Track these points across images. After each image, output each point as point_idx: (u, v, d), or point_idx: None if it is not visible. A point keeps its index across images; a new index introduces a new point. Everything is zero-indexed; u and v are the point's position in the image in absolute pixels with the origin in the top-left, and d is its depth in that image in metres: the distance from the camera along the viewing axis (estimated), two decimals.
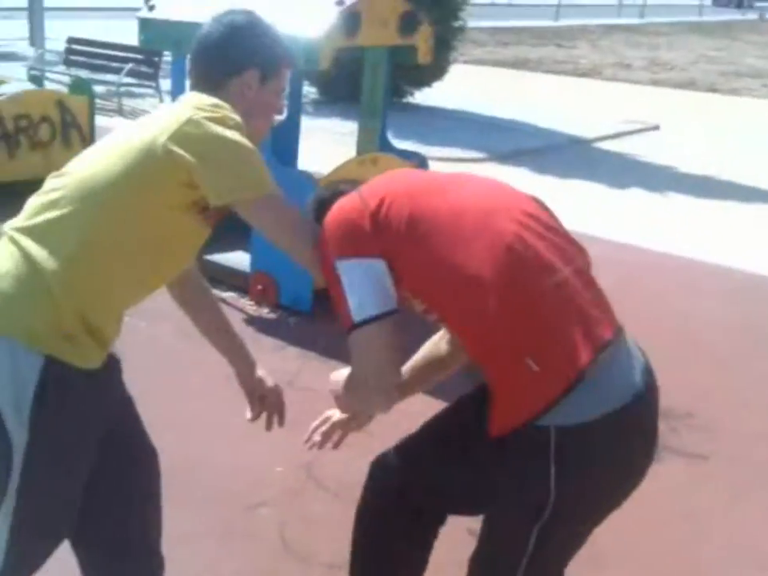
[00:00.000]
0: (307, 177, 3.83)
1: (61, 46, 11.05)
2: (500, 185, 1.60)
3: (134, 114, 9.18)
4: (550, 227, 1.52)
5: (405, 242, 1.46)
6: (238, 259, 4.09)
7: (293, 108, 4.37)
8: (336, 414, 1.81)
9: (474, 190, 1.55)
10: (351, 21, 3.58)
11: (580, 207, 6.25)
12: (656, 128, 10.51)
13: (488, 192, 1.55)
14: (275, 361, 3.39)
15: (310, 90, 10.39)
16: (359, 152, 4.44)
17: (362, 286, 1.45)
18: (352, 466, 2.41)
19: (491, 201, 1.52)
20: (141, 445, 1.71)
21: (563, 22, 28.56)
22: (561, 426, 1.40)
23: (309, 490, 2.69)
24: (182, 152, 1.42)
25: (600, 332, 1.44)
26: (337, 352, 3.51)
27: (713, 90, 14.55)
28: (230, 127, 1.46)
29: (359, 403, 1.64)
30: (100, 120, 8.03)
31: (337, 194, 1.61)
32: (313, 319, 3.86)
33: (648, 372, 1.52)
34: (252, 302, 4.03)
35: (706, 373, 3.73)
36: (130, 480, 1.68)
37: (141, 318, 3.19)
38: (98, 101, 9.07)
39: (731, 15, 43.35)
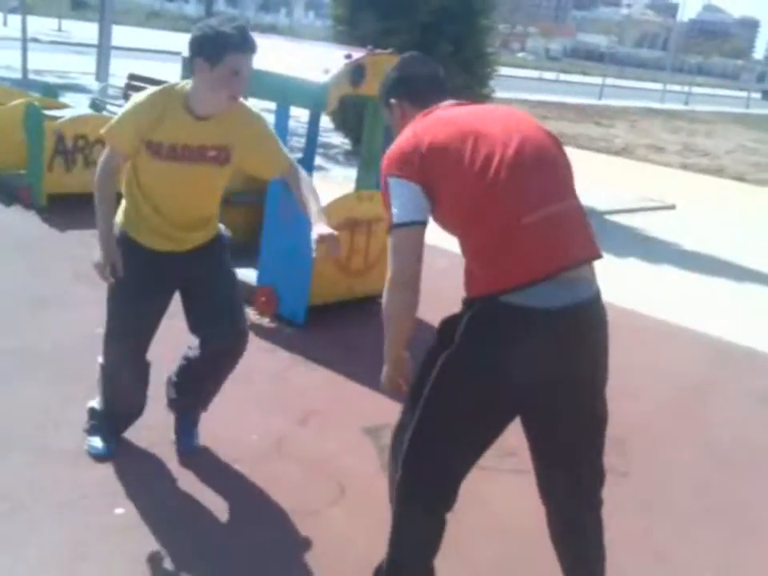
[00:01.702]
0: None
1: (124, 83, 11.92)
2: (529, 126, 2.14)
3: None
4: (557, 166, 2.10)
5: (438, 180, 2.03)
6: (247, 274, 4.62)
7: (309, 147, 4.95)
8: None
9: (504, 139, 2.06)
10: (357, 72, 4.14)
11: None
12: (672, 207, 10.92)
13: (518, 139, 2.06)
14: (266, 359, 3.92)
15: (344, 142, 11.09)
16: (358, 188, 4.99)
17: (402, 198, 2.05)
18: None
19: (517, 147, 2.03)
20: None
21: (606, 102, 29.22)
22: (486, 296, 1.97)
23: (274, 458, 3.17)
24: None
25: (554, 263, 1.96)
26: (321, 358, 4.06)
27: (740, 178, 14.85)
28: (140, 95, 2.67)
29: (389, 305, 2.10)
30: None
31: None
32: (305, 330, 4.39)
33: (584, 296, 2.02)
34: (256, 312, 4.58)
35: (645, 412, 4.19)
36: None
37: None
38: None
39: None
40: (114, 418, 3.08)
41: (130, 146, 2.65)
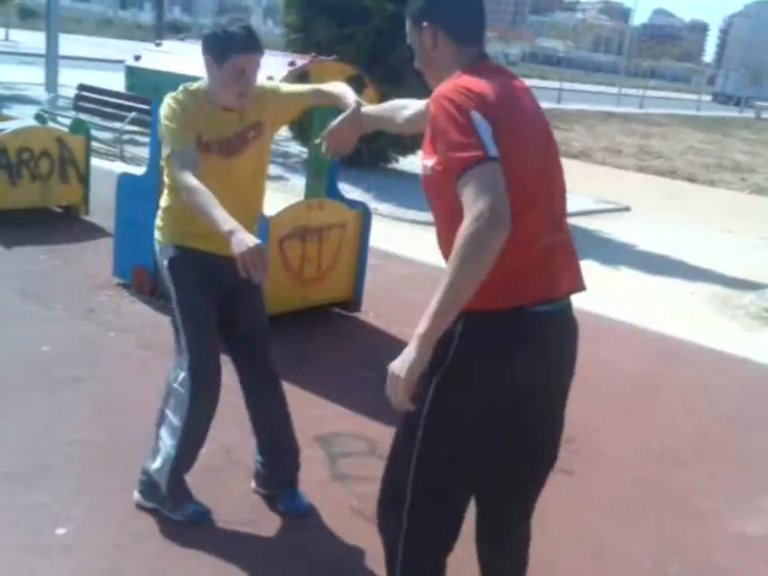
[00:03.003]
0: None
1: (73, 93, 11.77)
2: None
3: (134, 160, 9.80)
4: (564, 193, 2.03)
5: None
6: None
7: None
8: None
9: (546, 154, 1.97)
10: (300, 80, 4.11)
11: None
12: (627, 209, 11.11)
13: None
14: None
15: (302, 150, 11.04)
16: (307, 197, 4.98)
17: (487, 135, 1.74)
18: None
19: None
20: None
21: (564, 106, 29.55)
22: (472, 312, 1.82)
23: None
24: None
25: (550, 291, 1.91)
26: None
27: (691, 179, 15.23)
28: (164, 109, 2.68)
29: (476, 254, 1.69)
30: (102, 163, 8.66)
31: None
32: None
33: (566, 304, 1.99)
34: None
35: (592, 409, 4.25)
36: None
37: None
38: (101, 146, 9.74)
39: (729, 112, 44.41)
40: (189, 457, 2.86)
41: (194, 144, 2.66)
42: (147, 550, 2.70)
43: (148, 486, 2.87)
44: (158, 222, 2.86)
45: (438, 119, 1.81)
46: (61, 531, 2.73)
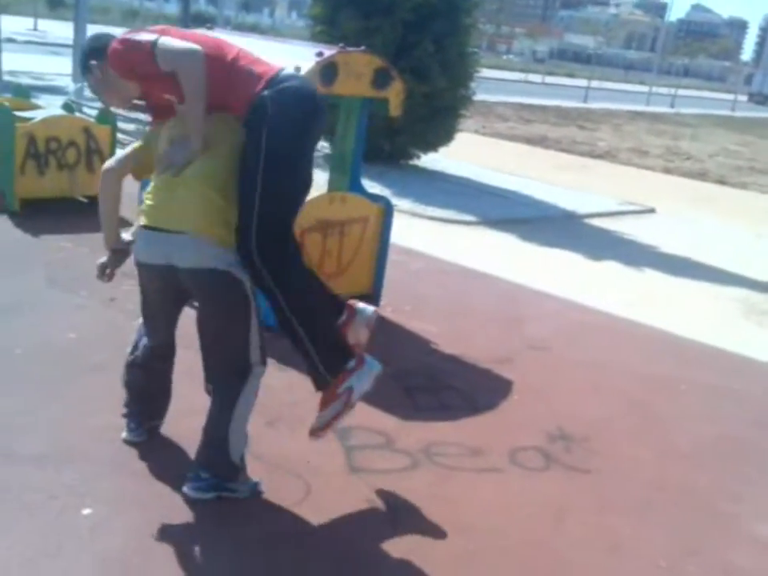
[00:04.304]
0: None
1: None
2: None
3: None
4: None
5: None
6: None
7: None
8: None
9: None
10: (328, 71, 4.12)
11: (554, 272, 6.87)
12: (652, 211, 11.02)
13: None
14: None
15: (324, 145, 11.06)
16: (330, 190, 5.00)
17: None
18: None
19: None
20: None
21: (591, 105, 29.36)
22: None
23: None
24: None
25: None
26: (291, 360, 4.08)
27: (722, 182, 14.96)
28: None
29: None
30: None
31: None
32: (277, 333, 4.39)
33: None
34: None
35: (609, 409, 4.27)
36: None
37: None
38: (125, 137, 9.82)
39: (766, 113, 43.30)
40: None
41: None
42: (173, 533, 2.76)
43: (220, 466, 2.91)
44: (221, 230, 2.75)
45: None
46: (87, 512, 2.80)
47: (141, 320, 3.18)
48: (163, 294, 2.96)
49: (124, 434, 3.22)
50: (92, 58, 2.86)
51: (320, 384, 2.93)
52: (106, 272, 3.01)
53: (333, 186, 5.07)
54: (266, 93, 2.70)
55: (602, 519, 3.25)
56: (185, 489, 2.91)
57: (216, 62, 2.72)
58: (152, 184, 2.87)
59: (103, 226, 2.99)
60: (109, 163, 2.99)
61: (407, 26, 9.60)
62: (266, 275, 2.73)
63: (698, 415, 4.42)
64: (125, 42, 2.73)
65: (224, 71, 2.74)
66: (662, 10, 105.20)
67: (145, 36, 2.70)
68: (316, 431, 2.95)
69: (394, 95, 4.60)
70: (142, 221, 2.81)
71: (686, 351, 5.43)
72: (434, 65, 9.69)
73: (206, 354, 2.96)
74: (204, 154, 2.76)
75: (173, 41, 2.68)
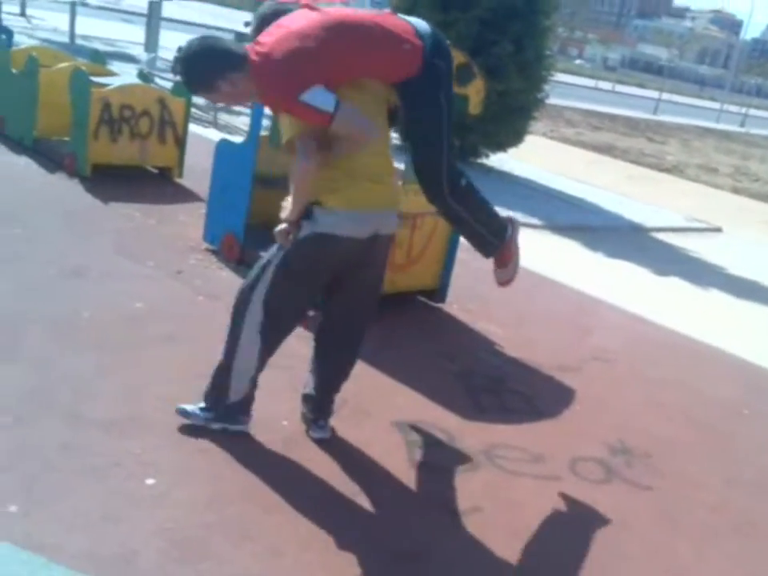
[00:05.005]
0: None
1: (172, 55, 12.01)
2: None
3: (227, 128, 9.96)
4: None
5: None
6: None
7: None
8: None
9: None
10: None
11: (620, 283, 6.76)
12: (718, 230, 10.77)
13: None
14: (306, 346, 3.88)
15: (393, 136, 11.03)
16: (404, 182, 4.95)
17: None
18: None
19: None
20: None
21: (661, 117, 28.86)
22: None
23: None
24: None
25: None
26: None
27: None
28: None
29: None
30: (196, 129, 8.81)
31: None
32: None
33: None
34: None
35: (672, 428, 4.17)
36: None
37: None
38: (196, 111, 9.91)
39: None
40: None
41: None
42: (234, 511, 2.76)
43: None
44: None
45: None
46: (150, 482, 2.81)
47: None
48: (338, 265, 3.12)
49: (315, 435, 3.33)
50: (233, 70, 2.81)
51: (489, 251, 3.35)
52: (289, 237, 3.00)
53: (408, 176, 5.01)
54: (435, 60, 3.01)
55: (664, 540, 3.16)
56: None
57: (378, 43, 2.92)
58: (333, 166, 2.89)
59: (299, 200, 2.92)
60: (311, 142, 2.85)
61: (483, 24, 9.53)
62: (461, 209, 3.21)
63: (764, 443, 4.29)
64: (292, 93, 2.72)
65: (386, 51, 2.94)
66: (737, 27, 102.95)
67: (321, 101, 2.72)
68: (507, 282, 3.41)
69: (475, 92, 4.55)
70: (352, 205, 2.93)
71: (752, 376, 5.27)
72: (511, 65, 9.59)
73: (364, 315, 3.38)
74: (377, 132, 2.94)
75: (354, 114, 2.80)
